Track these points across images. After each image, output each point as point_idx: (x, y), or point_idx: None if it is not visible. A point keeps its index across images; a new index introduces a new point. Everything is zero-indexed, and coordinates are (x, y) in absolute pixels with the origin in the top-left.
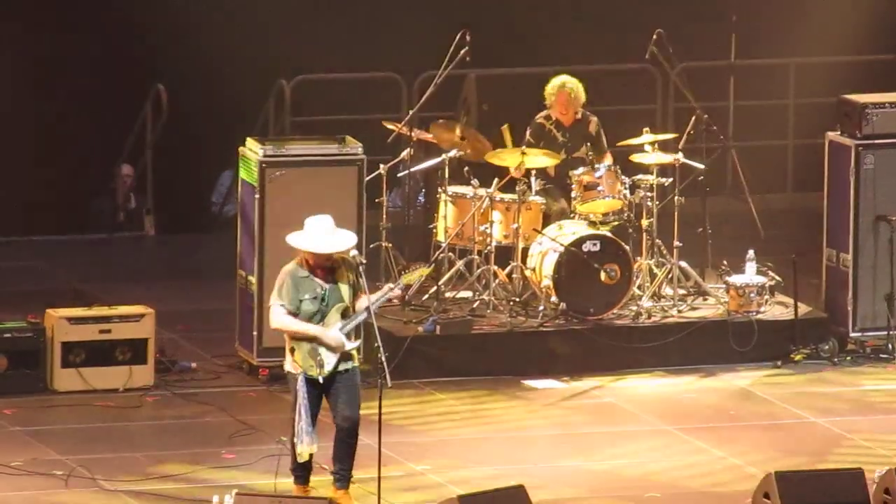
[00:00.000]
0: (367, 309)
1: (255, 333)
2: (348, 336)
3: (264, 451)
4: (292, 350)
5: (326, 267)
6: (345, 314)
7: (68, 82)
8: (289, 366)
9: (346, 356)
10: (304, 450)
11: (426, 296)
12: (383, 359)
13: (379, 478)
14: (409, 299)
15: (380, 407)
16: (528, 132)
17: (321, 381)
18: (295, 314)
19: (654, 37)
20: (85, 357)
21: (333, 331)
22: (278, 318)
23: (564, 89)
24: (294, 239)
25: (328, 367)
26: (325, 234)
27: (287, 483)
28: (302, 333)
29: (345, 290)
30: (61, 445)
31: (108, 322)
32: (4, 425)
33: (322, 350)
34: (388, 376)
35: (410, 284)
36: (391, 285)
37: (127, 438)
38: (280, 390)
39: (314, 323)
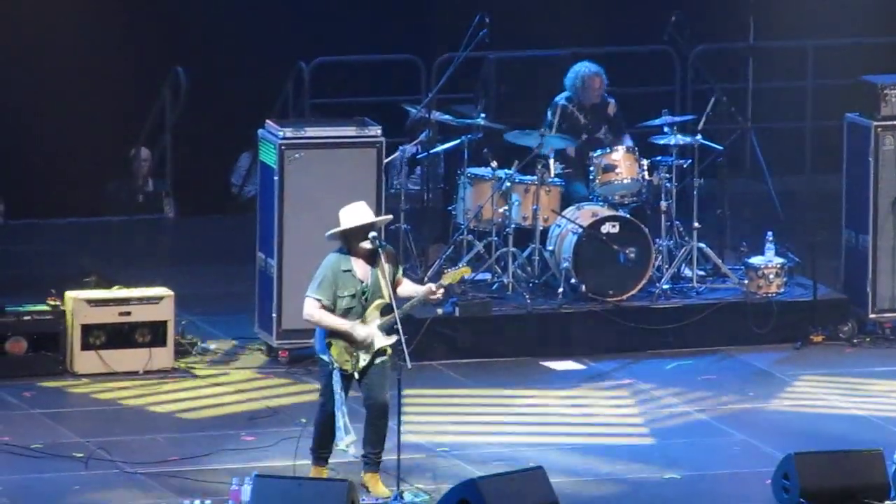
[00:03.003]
0: (398, 306)
1: (274, 316)
2: (388, 331)
3: (284, 434)
4: (329, 343)
5: (368, 253)
6: (384, 311)
7: (87, 65)
8: (325, 355)
9: (381, 351)
10: (347, 442)
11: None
12: (403, 340)
13: (399, 459)
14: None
15: (399, 389)
16: (550, 113)
17: (356, 375)
18: (331, 309)
19: (672, 19)
20: (105, 339)
21: (363, 326)
22: (311, 310)
23: (600, 76)
24: (344, 216)
25: (363, 363)
26: (366, 210)
27: (306, 464)
28: (333, 328)
29: (384, 283)
30: (81, 428)
31: (128, 304)
32: (24, 407)
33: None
34: (407, 358)
35: (452, 285)
36: (432, 286)
37: (146, 421)
38: (300, 373)
39: (351, 320)
